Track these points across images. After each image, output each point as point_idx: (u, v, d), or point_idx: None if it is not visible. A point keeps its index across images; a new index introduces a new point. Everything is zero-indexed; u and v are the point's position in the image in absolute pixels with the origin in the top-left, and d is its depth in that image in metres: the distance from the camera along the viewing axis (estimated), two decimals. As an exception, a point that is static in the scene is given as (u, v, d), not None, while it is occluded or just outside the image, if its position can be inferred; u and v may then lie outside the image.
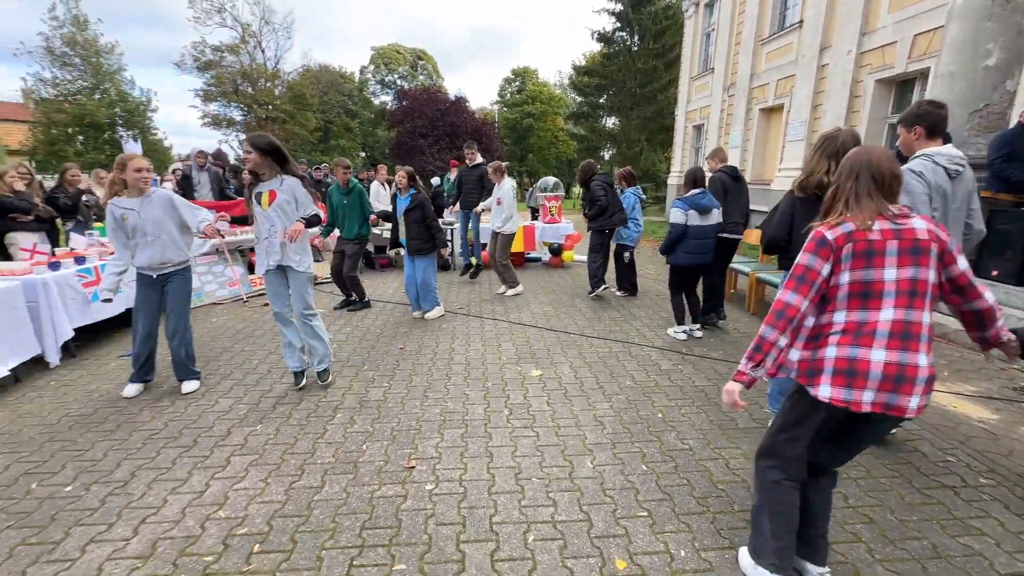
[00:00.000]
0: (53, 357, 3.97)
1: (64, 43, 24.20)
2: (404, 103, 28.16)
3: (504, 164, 6.47)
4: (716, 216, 4.40)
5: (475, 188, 7.01)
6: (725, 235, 4.68)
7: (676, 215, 4.34)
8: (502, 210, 6.13)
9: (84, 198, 5.60)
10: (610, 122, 28.55)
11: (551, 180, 8.30)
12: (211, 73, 29.96)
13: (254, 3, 36.33)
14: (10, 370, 3.61)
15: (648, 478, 2.51)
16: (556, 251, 8.30)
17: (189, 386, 3.54)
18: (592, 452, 2.75)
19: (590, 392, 3.51)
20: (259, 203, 3.29)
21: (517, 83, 41.09)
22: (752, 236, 5.83)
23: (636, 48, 23.99)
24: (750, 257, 6.64)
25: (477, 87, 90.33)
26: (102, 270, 4.50)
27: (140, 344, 3.46)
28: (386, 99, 37.73)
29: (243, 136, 31.82)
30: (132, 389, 3.49)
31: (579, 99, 30.21)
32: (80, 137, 24.80)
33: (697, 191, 4.34)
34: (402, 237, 5.23)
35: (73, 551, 2.04)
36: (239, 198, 7.09)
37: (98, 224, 5.36)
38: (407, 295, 5.45)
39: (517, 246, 7.94)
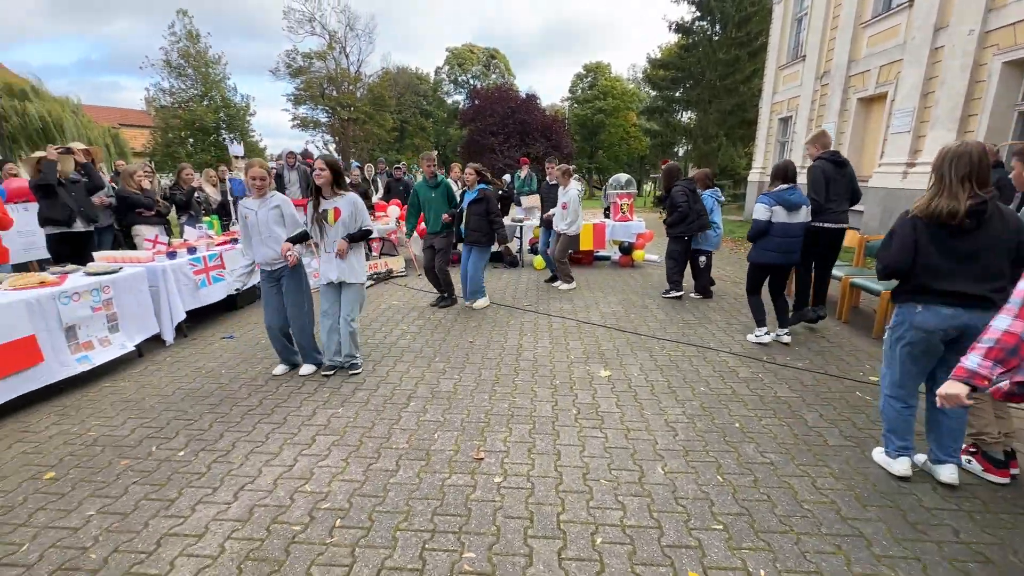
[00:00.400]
0: (169, 336, 4.47)
1: (180, 56, 27.10)
2: (476, 102, 28.67)
3: (571, 167, 6.41)
4: (804, 214, 4.09)
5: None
6: (827, 225, 4.34)
7: (760, 211, 4.08)
8: (567, 214, 6.09)
9: (196, 195, 6.24)
10: (686, 116, 27.39)
11: (624, 177, 8.10)
12: (301, 78, 32.25)
13: (340, 11, 38.61)
14: (135, 346, 4.11)
15: (723, 490, 2.39)
16: (626, 250, 8.11)
17: (305, 369, 3.88)
18: (663, 458, 2.67)
19: (661, 396, 3.40)
20: (327, 220, 3.53)
21: (589, 79, 40.47)
22: (850, 237, 5.36)
23: (717, 38, 22.77)
24: (844, 260, 6.11)
25: (549, 84, 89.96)
26: (210, 259, 5.00)
27: (269, 336, 3.84)
28: (459, 98, 38.67)
29: (328, 136, 33.99)
30: (279, 369, 3.89)
31: (653, 93, 29.22)
32: (191, 140, 27.68)
33: (785, 186, 4.06)
34: (464, 227, 5.42)
35: (185, 509, 2.30)
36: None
37: (206, 218, 5.96)
38: (462, 286, 5.68)
39: (586, 244, 7.84)
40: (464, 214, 5.38)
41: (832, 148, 4.55)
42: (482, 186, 5.30)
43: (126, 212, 5.49)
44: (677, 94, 26.14)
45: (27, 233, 5.67)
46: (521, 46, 75.91)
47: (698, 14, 22.84)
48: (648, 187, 35.81)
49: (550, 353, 4.22)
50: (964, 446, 2.49)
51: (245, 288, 4.14)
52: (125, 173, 5.60)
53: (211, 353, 4.35)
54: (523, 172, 8.84)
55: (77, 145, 5.36)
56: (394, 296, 6.23)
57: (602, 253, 8.45)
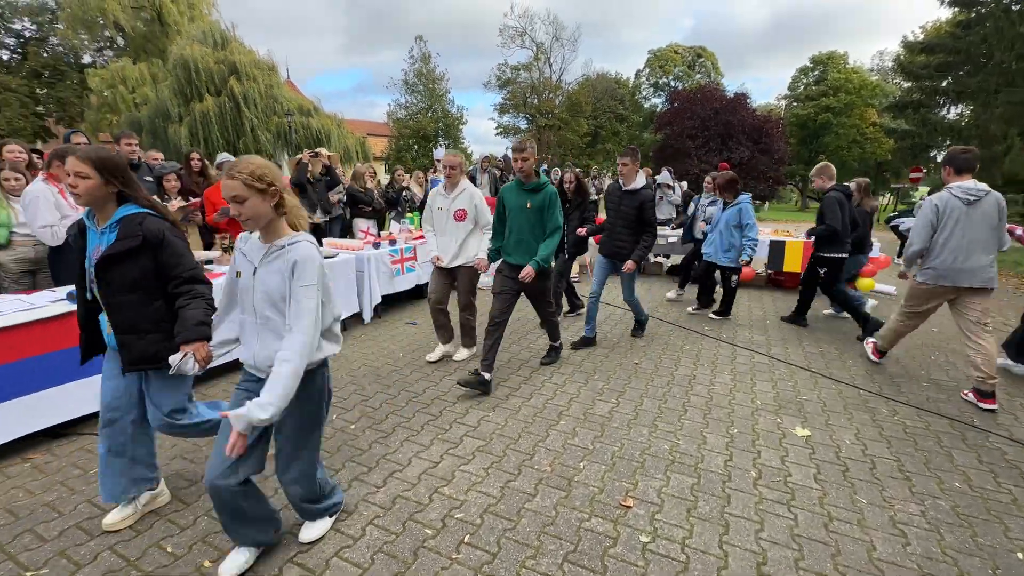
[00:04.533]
0: (367, 316, 5.12)
1: (415, 75, 31.91)
2: (674, 104, 27.13)
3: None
4: None
5: (631, 223, 4.27)
6: None
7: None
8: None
9: (404, 194, 7.10)
10: (954, 112, 21.41)
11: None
12: (508, 89, 34.92)
13: (549, 23, 40.62)
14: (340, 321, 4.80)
15: (990, 656, 1.60)
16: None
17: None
18: (883, 574, 1.93)
19: (886, 482, 2.53)
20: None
21: (816, 73, 34.77)
22: None
23: (1017, 7, 17.16)
24: None
25: (767, 83, 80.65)
26: (406, 252, 5.59)
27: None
28: (657, 102, 37.19)
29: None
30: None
31: (906, 84, 23.60)
32: (416, 147, 32.40)
33: None
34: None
35: (344, 482, 2.48)
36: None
37: (409, 214, 6.72)
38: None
39: (792, 264, 6.60)
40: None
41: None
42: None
43: (352, 206, 6.52)
44: (943, 84, 20.61)
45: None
46: (739, 44, 69.59)
47: (990, -21, 17.59)
48: (886, 200, 29.43)
49: (730, 392, 3.56)
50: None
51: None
52: (355, 174, 6.66)
53: (395, 336, 4.83)
54: (720, 179, 7.88)
55: (323, 151, 6.55)
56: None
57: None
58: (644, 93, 38.56)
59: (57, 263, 3.55)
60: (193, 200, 4.61)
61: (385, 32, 69.39)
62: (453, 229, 3.86)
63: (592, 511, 2.29)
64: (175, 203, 4.49)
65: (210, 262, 4.15)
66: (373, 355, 4.30)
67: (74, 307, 2.82)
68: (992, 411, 3.25)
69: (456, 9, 62.68)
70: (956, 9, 19.00)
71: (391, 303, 5.68)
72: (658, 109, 33.88)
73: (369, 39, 73.84)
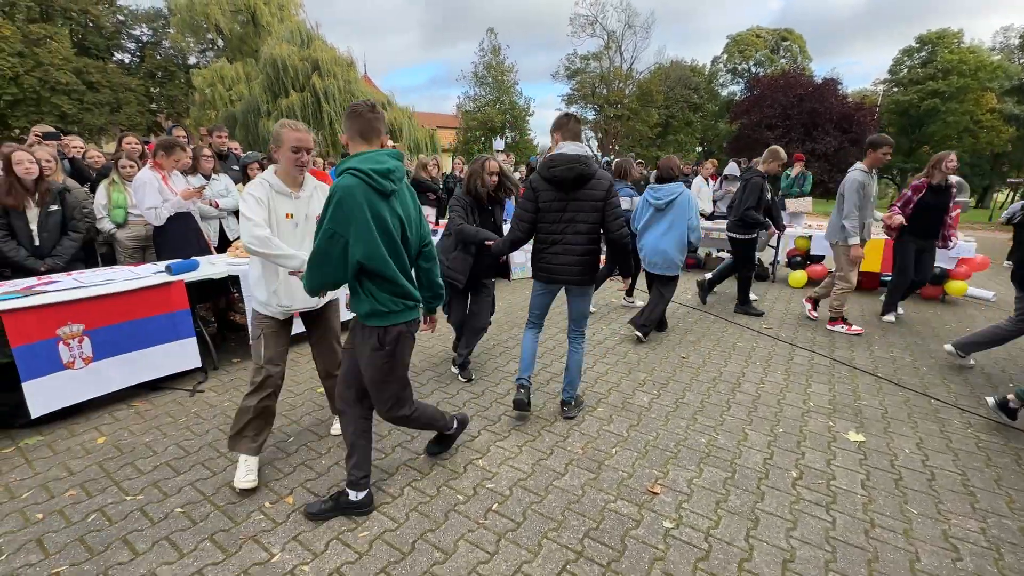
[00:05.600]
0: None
1: (484, 68, 32.31)
2: (755, 92, 25.55)
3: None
4: None
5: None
6: None
7: None
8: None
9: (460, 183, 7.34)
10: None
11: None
12: (576, 79, 34.44)
13: (623, 10, 39.46)
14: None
15: None
16: (938, 278, 5.97)
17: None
18: (924, 586, 1.84)
19: (945, 495, 2.36)
20: None
21: (923, 54, 31.20)
22: None
23: None
24: None
25: (861, 66, 73.70)
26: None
27: None
28: (736, 89, 35.16)
29: (590, 133, 35.54)
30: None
31: (1036, 64, 20.67)
32: (483, 138, 32.88)
33: None
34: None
35: (388, 447, 2.69)
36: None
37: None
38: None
39: (872, 265, 6.10)
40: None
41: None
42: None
43: (418, 195, 6.84)
44: (1084, 62, 17.86)
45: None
46: (833, 25, 63.99)
47: None
48: (1003, 196, 26.21)
49: (780, 392, 3.42)
50: None
51: None
52: (418, 164, 6.98)
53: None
54: (794, 170, 7.41)
55: (388, 142, 6.91)
56: (610, 291, 6.05)
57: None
58: (721, 80, 36.57)
59: (160, 241, 4.07)
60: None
61: (460, 25, 70.77)
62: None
63: (619, 494, 2.33)
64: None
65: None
66: (433, 339, 4.52)
67: (172, 278, 3.26)
68: None
69: (531, 0, 62.46)
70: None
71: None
72: (736, 98, 32.04)
73: (445, 32, 75.71)
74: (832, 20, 64.41)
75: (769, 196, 5.03)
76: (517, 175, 8.51)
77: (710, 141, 35.15)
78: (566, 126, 2.77)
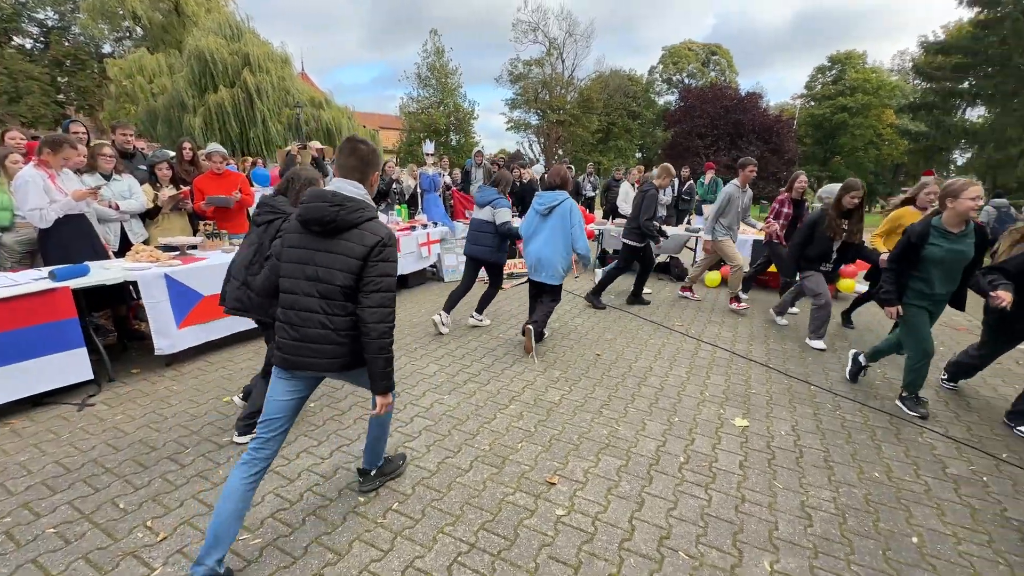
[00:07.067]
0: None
1: (427, 69, 32.03)
2: (686, 102, 26.96)
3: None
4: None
5: None
6: None
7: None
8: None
9: (394, 185, 7.27)
10: (972, 115, 21.01)
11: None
12: (519, 84, 34.88)
13: (563, 18, 40.33)
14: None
15: (854, 626, 1.71)
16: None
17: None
18: (777, 551, 2.05)
19: (809, 470, 2.63)
20: None
21: (833, 72, 34.19)
22: None
23: (1039, 7, 16.76)
24: None
25: (784, 82, 79.63)
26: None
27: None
28: (671, 99, 36.90)
29: (533, 137, 36.11)
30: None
31: (924, 86, 23.18)
32: (427, 140, 32.58)
33: None
34: None
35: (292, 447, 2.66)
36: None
37: (398, 206, 6.89)
38: None
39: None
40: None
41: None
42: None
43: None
44: (961, 86, 20.23)
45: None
46: (760, 42, 68.73)
47: (1011, -22, 17.20)
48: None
49: (681, 384, 3.67)
50: None
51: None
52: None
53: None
54: (707, 177, 7.93)
55: (314, 144, 6.75)
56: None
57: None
58: (658, 89, 38.26)
59: (47, 245, 3.77)
60: (183, 188, 4.81)
61: (405, 25, 69.75)
62: None
63: (518, 486, 2.43)
64: (166, 191, 4.70)
65: (194, 247, 4.35)
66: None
67: (56, 285, 3.05)
68: None
69: (474, 3, 62.64)
70: (976, 9, 18.60)
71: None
72: (671, 107, 33.62)
73: (389, 32, 74.38)
74: (758, 38, 69.18)
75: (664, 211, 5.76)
76: (448, 179, 8.54)
77: (648, 148, 36.65)
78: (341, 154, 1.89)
